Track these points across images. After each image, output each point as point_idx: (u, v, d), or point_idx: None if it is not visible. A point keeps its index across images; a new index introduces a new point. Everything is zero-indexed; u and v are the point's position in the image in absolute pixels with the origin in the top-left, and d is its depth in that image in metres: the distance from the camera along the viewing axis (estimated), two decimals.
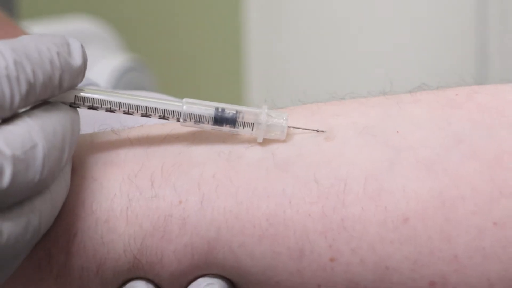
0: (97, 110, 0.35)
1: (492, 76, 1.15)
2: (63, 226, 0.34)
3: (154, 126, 0.37)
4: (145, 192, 0.34)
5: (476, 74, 1.15)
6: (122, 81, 0.81)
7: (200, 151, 0.35)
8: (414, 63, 1.23)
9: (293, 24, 1.33)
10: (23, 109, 0.32)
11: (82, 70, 0.33)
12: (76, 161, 0.35)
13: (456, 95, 0.36)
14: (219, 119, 0.36)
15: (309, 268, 0.33)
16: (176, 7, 1.52)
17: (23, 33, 0.51)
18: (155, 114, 0.35)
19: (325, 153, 0.34)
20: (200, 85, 1.51)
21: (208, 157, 0.35)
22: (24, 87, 0.31)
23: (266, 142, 0.35)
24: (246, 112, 0.36)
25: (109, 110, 0.35)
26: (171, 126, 0.36)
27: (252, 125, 0.35)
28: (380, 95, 0.37)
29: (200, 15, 1.50)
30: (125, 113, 0.35)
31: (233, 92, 1.46)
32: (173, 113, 0.35)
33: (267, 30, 1.36)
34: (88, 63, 0.84)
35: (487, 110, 0.35)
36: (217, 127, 0.35)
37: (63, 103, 0.34)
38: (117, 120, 0.39)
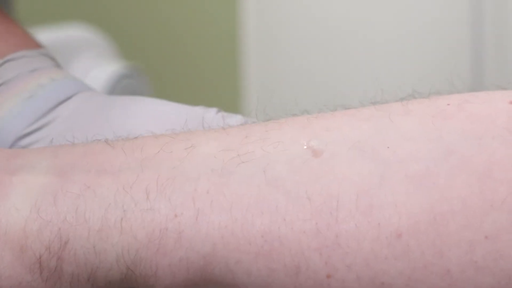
0: None
1: (488, 74, 1.15)
2: (55, 233, 0.34)
3: (148, 138, 0.37)
4: (140, 204, 0.34)
5: (471, 71, 1.15)
6: (118, 88, 0.81)
7: (194, 167, 0.35)
8: (408, 65, 1.24)
9: (288, 34, 1.33)
10: None
11: None
12: (69, 168, 0.36)
13: (448, 104, 0.36)
14: None
15: (305, 285, 0.33)
16: (172, 15, 1.52)
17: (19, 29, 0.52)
18: None
19: (315, 170, 0.34)
20: (196, 93, 1.51)
21: (201, 173, 0.35)
22: None
23: (255, 158, 0.35)
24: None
25: None
26: (165, 140, 0.36)
27: None
28: (371, 106, 0.37)
29: (196, 22, 1.50)
30: None
31: (229, 100, 1.47)
32: None
33: (263, 41, 1.36)
34: (84, 70, 0.84)
35: (478, 120, 0.34)
36: None
37: None
38: (111, 131, 0.39)
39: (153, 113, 0.42)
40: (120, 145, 0.36)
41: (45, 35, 0.80)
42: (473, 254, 0.33)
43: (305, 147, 0.35)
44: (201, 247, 0.34)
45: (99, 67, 0.80)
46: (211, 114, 0.42)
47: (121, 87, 0.82)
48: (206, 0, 1.48)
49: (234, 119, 0.42)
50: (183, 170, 0.35)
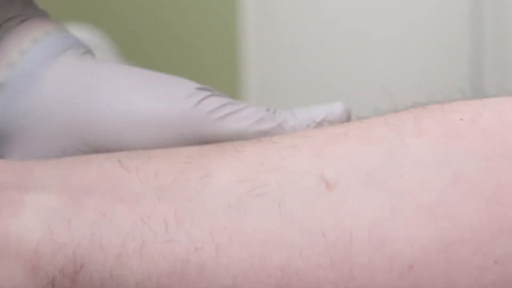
0: None
1: (488, 74, 1.15)
2: (69, 257, 0.34)
3: (162, 162, 0.37)
4: (160, 236, 0.35)
5: (471, 71, 1.15)
6: None
7: (210, 200, 0.35)
8: (408, 65, 1.24)
9: (288, 34, 1.33)
10: None
11: None
12: (83, 191, 0.36)
13: (461, 119, 0.36)
14: None
15: None
16: (172, 16, 1.52)
17: None
18: None
19: (329, 203, 0.35)
20: None
21: (218, 207, 0.35)
22: None
23: (270, 191, 0.35)
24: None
25: None
26: (180, 166, 0.36)
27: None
28: (383, 122, 0.36)
29: (196, 24, 1.50)
30: None
31: None
32: None
33: (263, 41, 1.36)
34: None
35: (489, 138, 0.35)
36: None
37: None
38: (99, 119, 0.39)
39: (140, 117, 0.41)
40: (134, 169, 0.36)
41: None
42: (483, 279, 0.33)
43: (318, 178, 0.35)
44: (222, 280, 0.34)
45: None
46: (205, 111, 0.41)
47: None
48: (206, 1, 1.48)
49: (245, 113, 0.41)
50: (199, 203, 0.35)
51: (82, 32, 0.83)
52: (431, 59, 1.22)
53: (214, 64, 1.50)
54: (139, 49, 1.51)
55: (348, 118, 0.44)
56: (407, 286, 0.33)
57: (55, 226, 0.35)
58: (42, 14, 0.47)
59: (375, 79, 1.25)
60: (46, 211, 0.35)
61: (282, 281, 0.34)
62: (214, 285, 0.34)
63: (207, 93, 0.42)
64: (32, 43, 0.43)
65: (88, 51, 0.46)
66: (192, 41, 1.51)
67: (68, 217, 0.35)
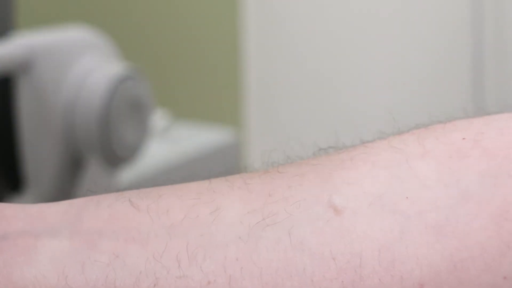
0: None
1: (488, 74, 1.15)
2: None
3: (172, 199, 0.37)
4: (173, 272, 0.35)
5: (471, 71, 1.16)
6: (119, 89, 0.81)
7: (221, 234, 0.36)
8: (408, 66, 1.24)
9: (289, 38, 1.33)
10: None
11: None
12: (95, 235, 0.36)
13: (463, 139, 0.36)
14: None
15: None
16: (172, 17, 1.53)
17: None
18: None
19: (338, 229, 0.35)
20: (196, 93, 1.51)
21: (229, 240, 0.36)
22: None
23: (280, 220, 0.36)
24: None
25: None
26: (190, 202, 0.37)
27: None
28: (388, 145, 0.37)
29: (197, 24, 1.51)
30: None
31: (229, 100, 1.47)
32: None
33: (264, 41, 1.36)
34: (85, 72, 0.84)
35: (493, 156, 0.35)
36: None
37: None
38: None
39: None
40: (145, 207, 0.37)
41: (46, 36, 0.80)
42: None
43: (326, 205, 0.36)
44: None
45: (100, 68, 0.80)
46: None
47: (122, 88, 0.82)
48: (207, 3, 1.49)
49: None
50: (211, 237, 0.36)
51: (82, 32, 0.83)
52: (431, 61, 1.22)
53: (215, 64, 1.50)
54: (139, 49, 1.51)
55: None
56: None
57: (69, 271, 0.35)
58: None
59: (375, 80, 1.25)
60: (59, 256, 0.35)
61: None
62: None
63: None
64: None
65: None
66: (193, 41, 1.51)
67: (82, 260, 0.35)
